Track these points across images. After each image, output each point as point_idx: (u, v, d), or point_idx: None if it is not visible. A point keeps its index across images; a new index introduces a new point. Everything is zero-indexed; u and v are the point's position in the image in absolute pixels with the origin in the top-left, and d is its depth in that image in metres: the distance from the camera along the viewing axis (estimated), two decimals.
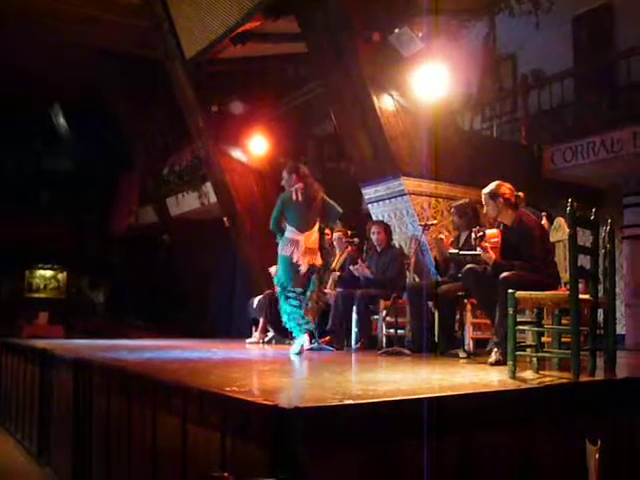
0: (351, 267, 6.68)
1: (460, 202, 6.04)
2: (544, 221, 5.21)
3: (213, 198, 10.89)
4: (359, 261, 6.69)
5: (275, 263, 7.94)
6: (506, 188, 4.74)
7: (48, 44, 11.74)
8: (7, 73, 12.49)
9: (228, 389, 2.80)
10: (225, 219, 10.34)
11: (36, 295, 16.04)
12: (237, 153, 10.27)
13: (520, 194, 4.78)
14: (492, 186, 4.78)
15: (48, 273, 16.32)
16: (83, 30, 11.24)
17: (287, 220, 5.87)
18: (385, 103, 6.98)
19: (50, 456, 5.50)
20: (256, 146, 10.13)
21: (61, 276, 16.32)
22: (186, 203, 12.01)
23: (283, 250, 5.82)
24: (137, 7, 10.35)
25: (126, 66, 12.31)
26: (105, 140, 14.28)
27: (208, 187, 11.06)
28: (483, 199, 4.82)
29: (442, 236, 5.95)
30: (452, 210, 6.08)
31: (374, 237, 6.76)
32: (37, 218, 14.99)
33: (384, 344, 6.22)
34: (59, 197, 16.13)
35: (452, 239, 6.01)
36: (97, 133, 14.41)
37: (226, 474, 2.32)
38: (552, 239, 4.65)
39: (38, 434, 5.82)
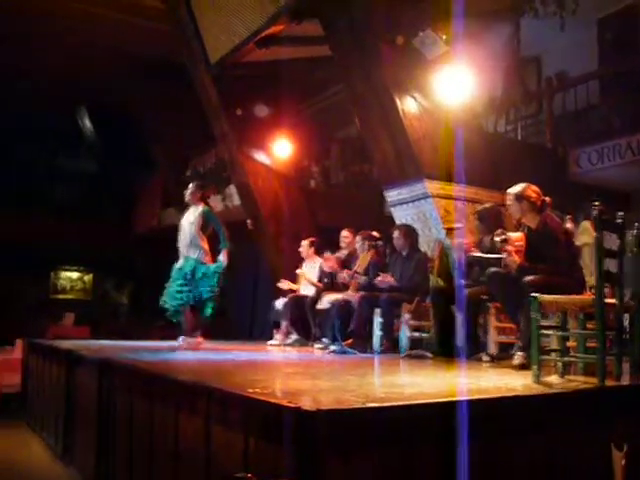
0: (375, 281, 6.64)
1: (482, 207, 6.00)
2: (569, 224, 5.16)
3: (237, 201, 10.93)
4: (380, 273, 6.63)
5: (297, 267, 8.09)
6: (532, 191, 4.71)
7: (74, 47, 11.87)
8: (34, 75, 12.67)
9: (251, 391, 2.81)
10: (248, 222, 10.38)
11: (62, 296, 16.21)
12: (261, 156, 10.31)
13: (547, 199, 4.73)
14: (519, 187, 4.74)
15: (74, 275, 16.49)
16: (109, 34, 11.36)
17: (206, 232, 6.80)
18: (408, 106, 6.97)
19: (74, 456, 5.55)
20: (280, 149, 10.16)
21: (87, 278, 16.48)
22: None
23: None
24: (162, 11, 10.43)
25: (151, 69, 12.40)
26: (129, 142, 14.40)
27: (232, 190, 11.10)
28: (508, 199, 4.79)
29: (462, 240, 5.90)
30: (474, 215, 6.05)
31: (396, 242, 6.74)
32: (63, 220, 15.15)
33: (407, 347, 6.19)
34: (84, 199, 16.29)
35: (475, 242, 5.97)
36: (122, 136, 14.53)
37: (249, 475, 2.33)
38: (578, 242, 4.61)
39: (63, 434, 5.87)
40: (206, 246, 6.73)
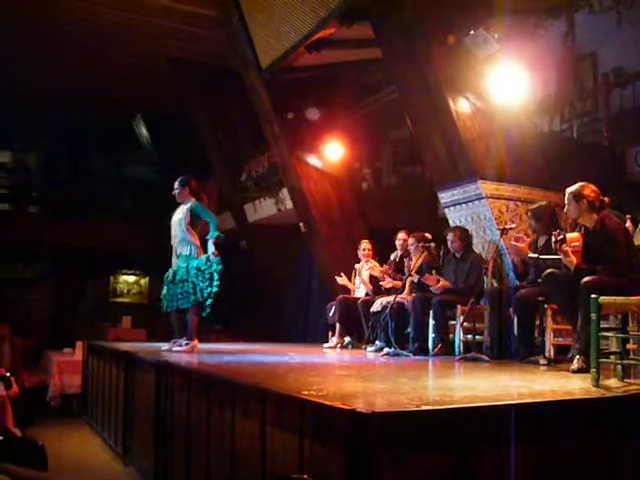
0: (432, 289, 6.60)
1: (537, 205, 5.91)
2: (628, 224, 5.05)
3: (289, 204, 10.99)
4: (434, 275, 6.58)
5: (349, 270, 8.09)
6: (591, 190, 4.63)
7: (129, 56, 12.15)
8: (93, 86, 13.01)
9: (306, 393, 2.83)
10: (301, 225, 10.43)
11: (120, 300, 16.58)
12: (313, 159, 10.35)
13: (605, 199, 4.65)
14: (577, 186, 4.67)
15: (131, 278, 16.84)
16: (163, 42, 11.59)
17: (197, 228, 6.61)
18: (461, 106, 6.91)
19: (133, 455, 5.67)
20: (332, 152, 10.18)
21: (143, 281, 16.81)
22: (263, 209, 12.18)
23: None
24: (214, 18, 10.58)
25: (204, 76, 12.59)
26: (185, 148, 14.63)
27: (284, 193, 11.17)
28: (566, 198, 4.72)
29: (517, 243, 5.79)
30: (528, 214, 5.96)
31: (451, 245, 6.70)
32: (120, 225, 15.51)
33: (461, 350, 6.15)
34: (141, 204, 16.62)
35: (530, 243, 5.89)
36: (178, 142, 14.77)
37: (305, 476, 2.35)
38: (637, 242, 4.51)
39: (122, 434, 6.00)
40: (197, 241, 6.52)
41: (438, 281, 6.52)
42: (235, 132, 12.95)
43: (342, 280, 8.18)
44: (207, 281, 6.26)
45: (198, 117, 13.22)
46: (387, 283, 7.35)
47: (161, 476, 4.70)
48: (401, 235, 7.72)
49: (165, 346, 6.46)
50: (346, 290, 8.26)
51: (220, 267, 6.29)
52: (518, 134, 7.00)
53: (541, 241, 5.71)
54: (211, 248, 6.30)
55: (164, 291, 6.55)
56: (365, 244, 8.21)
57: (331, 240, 9.96)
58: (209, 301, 6.31)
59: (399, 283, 7.18)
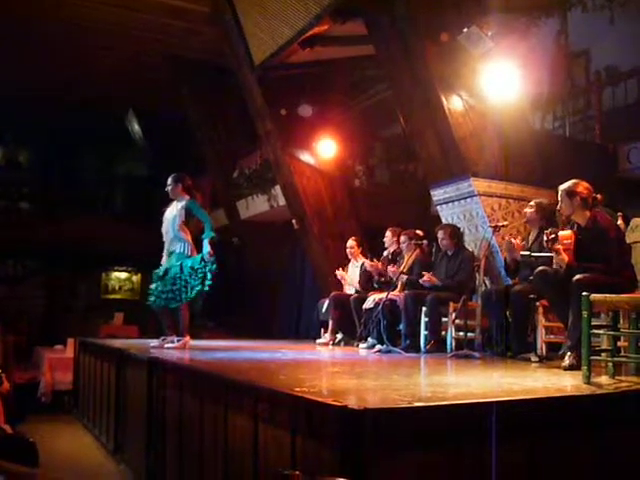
0: (420, 281, 6.61)
1: (541, 200, 5.85)
2: (620, 222, 5.07)
3: (282, 201, 10.98)
4: (425, 273, 6.59)
5: (342, 266, 8.05)
6: (584, 187, 4.64)
7: (121, 53, 12.11)
8: (86, 83, 12.96)
9: (298, 389, 2.83)
10: (294, 221, 10.43)
11: (111, 296, 16.54)
12: (305, 156, 10.34)
13: (598, 196, 4.66)
14: (570, 183, 4.69)
15: (123, 275, 16.80)
16: (155, 38, 11.55)
17: (190, 225, 6.58)
18: (454, 103, 6.92)
19: (126, 453, 5.66)
20: (324, 149, 10.17)
21: (135, 278, 16.77)
22: (256, 206, 12.15)
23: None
24: (207, 15, 10.55)
25: (196, 72, 12.56)
26: (177, 145, 14.59)
27: (277, 190, 11.16)
28: (559, 195, 4.73)
29: (512, 240, 5.80)
30: (532, 206, 5.87)
31: (441, 242, 6.72)
32: (113, 221, 15.46)
33: (453, 347, 6.16)
34: (133, 201, 16.58)
35: (522, 239, 5.89)
36: (171, 138, 14.72)
37: (297, 472, 2.35)
38: (628, 240, 4.53)
39: (114, 431, 5.99)
40: (190, 239, 6.49)
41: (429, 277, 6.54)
42: (228, 129, 12.92)
43: (341, 273, 8.11)
44: (199, 280, 6.24)
45: (191, 114, 13.18)
46: (392, 270, 7.25)
47: (153, 473, 4.69)
48: (388, 233, 7.72)
49: (154, 343, 6.44)
50: (339, 286, 8.26)
51: (214, 267, 6.27)
52: (511, 132, 7.01)
53: (532, 236, 5.73)
54: (206, 248, 6.28)
55: (153, 286, 6.50)
56: (350, 242, 8.20)
57: (323, 237, 9.97)
58: (193, 296, 6.28)
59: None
